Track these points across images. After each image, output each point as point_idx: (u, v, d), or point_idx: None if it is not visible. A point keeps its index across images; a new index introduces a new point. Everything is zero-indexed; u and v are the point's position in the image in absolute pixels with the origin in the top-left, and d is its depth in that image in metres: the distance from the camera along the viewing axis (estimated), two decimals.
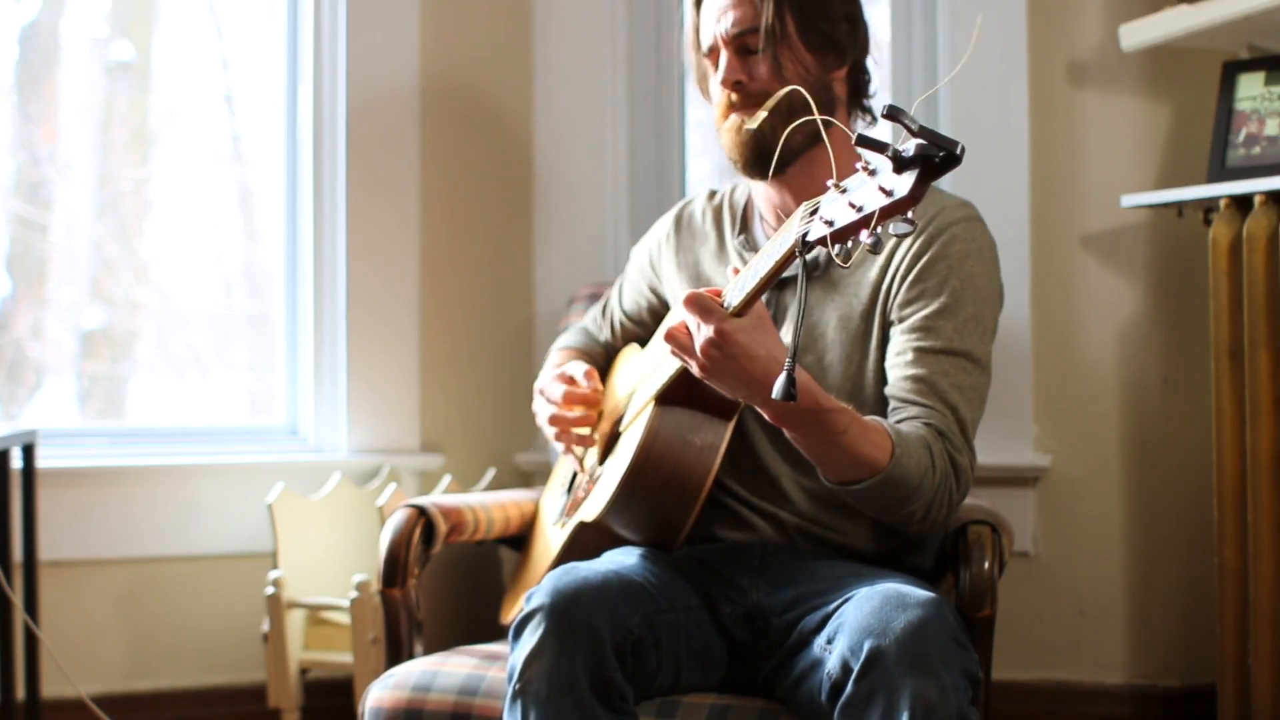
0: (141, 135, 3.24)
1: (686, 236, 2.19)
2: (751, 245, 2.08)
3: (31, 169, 3.12)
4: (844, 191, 1.44)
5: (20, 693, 2.67)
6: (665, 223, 2.25)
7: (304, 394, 3.13)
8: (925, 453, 1.79)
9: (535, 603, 1.73)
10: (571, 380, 2.15)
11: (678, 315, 1.70)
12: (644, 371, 2.03)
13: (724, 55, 1.99)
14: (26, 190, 3.11)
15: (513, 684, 1.71)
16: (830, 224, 1.44)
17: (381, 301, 3.09)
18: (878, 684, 1.59)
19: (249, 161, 3.32)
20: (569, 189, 3.19)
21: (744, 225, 2.12)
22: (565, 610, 1.70)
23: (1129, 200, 2.76)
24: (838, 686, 1.64)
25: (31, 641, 2.67)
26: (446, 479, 2.96)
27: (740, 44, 1.98)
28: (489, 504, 2.35)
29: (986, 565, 1.87)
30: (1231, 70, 2.68)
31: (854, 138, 1.37)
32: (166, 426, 3.16)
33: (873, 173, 1.39)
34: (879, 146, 1.36)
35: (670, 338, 1.70)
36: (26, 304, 3.12)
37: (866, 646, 1.60)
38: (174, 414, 3.22)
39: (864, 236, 1.40)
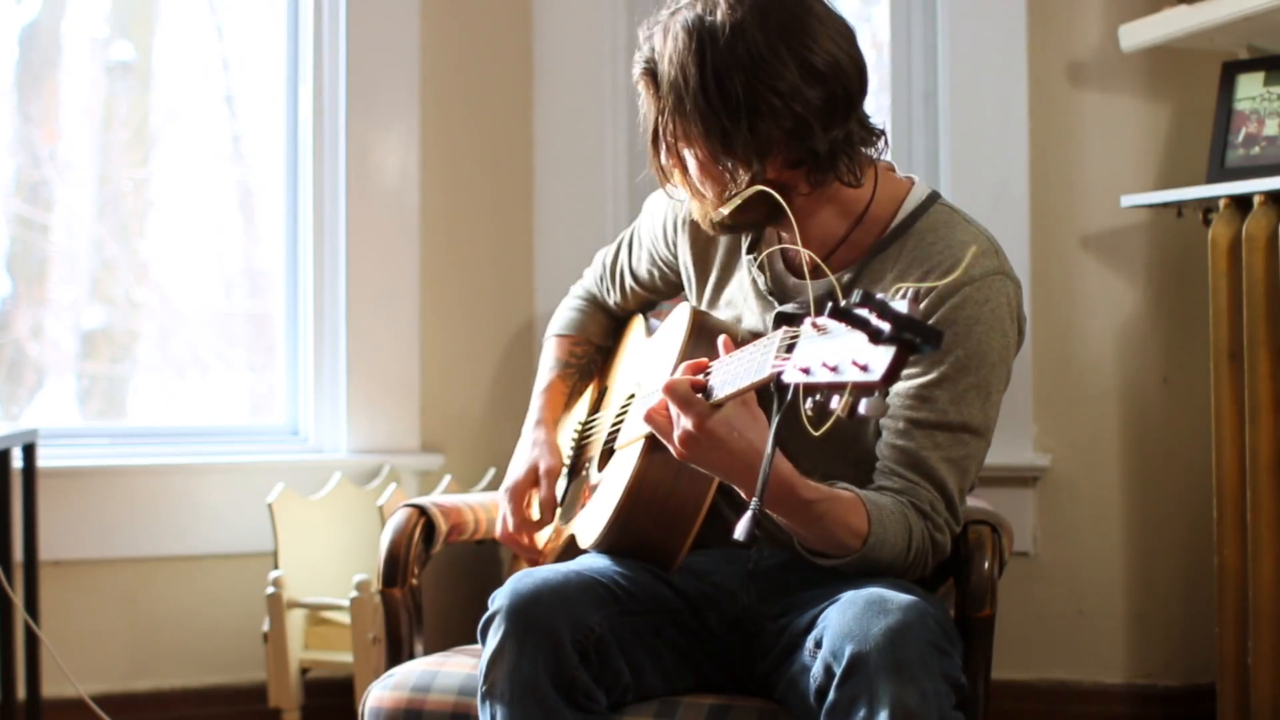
0: (142, 135, 3.24)
1: (704, 231, 2.00)
2: (764, 265, 1.94)
3: (32, 169, 3.12)
4: (823, 333, 1.38)
5: (21, 692, 2.67)
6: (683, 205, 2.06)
7: (304, 394, 3.13)
8: (904, 533, 1.76)
9: (496, 604, 1.74)
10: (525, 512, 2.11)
11: (657, 396, 1.68)
12: (646, 381, 2.00)
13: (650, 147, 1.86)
14: (27, 190, 3.11)
15: (480, 686, 1.73)
16: (806, 373, 1.39)
17: (381, 302, 3.10)
18: (859, 689, 1.59)
19: (249, 161, 3.32)
20: (569, 189, 3.19)
21: (756, 238, 1.97)
22: (523, 611, 1.71)
23: (1128, 200, 2.76)
24: (822, 690, 1.64)
25: (32, 641, 2.67)
26: (446, 479, 2.96)
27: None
28: (489, 504, 2.35)
29: (986, 565, 1.87)
30: (1231, 70, 2.68)
31: (827, 309, 1.31)
32: (167, 426, 3.16)
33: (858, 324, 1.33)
34: (856, 321, 1.30)
35: (649, 419, 1.69)
36: (27, 304, 3.12)
37: (847, 652, 1.60)
38: (174, 414, 3.22)
39: (834, 402, 1.35)
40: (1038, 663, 2.90)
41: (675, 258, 2.09)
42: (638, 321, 2.25)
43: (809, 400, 1.38)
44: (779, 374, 1.44)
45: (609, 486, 1.94)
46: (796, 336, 1.43)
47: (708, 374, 1.66)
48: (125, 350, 3.21)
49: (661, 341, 2.03)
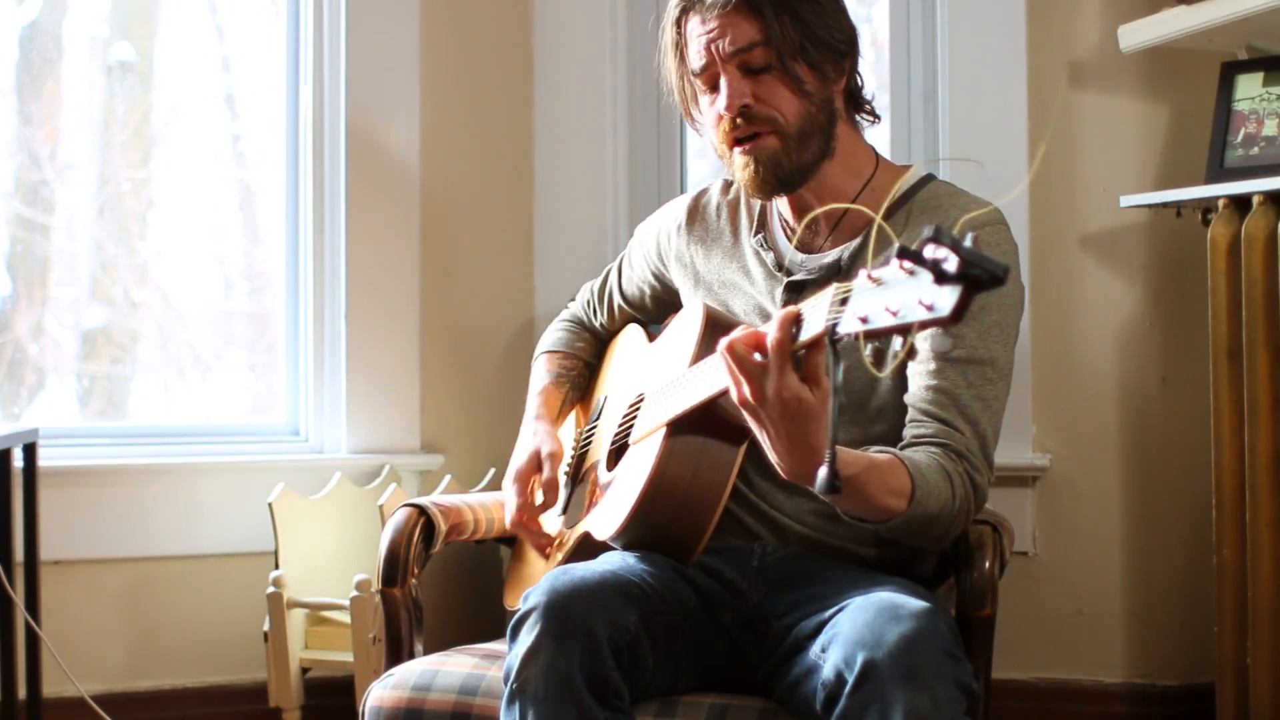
0: (142, 136, 3.25)
1: (700, 230, 2.12)
2: (770, 245, 2.02)
3: (32, 170, 3.12)
4: (879, 284, 1.36)
5: (22, 692, 2.68)
6: (679, 210, 2.16)
7: (304, 394, 3.13)
8: (946, 484, 1.77)
9: (532, 602, 1.73)
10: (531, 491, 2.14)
11: (743, 330, 1.61)
12: (656, 379, 2.00)
13: (724, 77, 1.89)
14: (27, 191, 3.11)
15: (510, 684, 1.72)
16: (864, 321, 1.37)
17: (381, 302, 3.10)
18: (871, 697, 1.59)
19: (249, 161, 3.32)
20: (569, 189, 3.20)
21: (762, 223, 2.05)
22: (562, 609, 1.71)
23: (1128, 200, 2.76)
24: (832, 697, 1.64)
25: (33, 640, 2.67)
26: (446, 479, 2.96)
27: (742, 62, 1.88)
28: (489, 503, 2.35)
29: (987, 565, 1.88)
30: (1230, 71, 2.68)
31: (895, 248, 1.32)
32: (167, 426, 3.16)
33: (911, 273, 1.33)
34: (919, 259, 1.30)
35: (732, 351, 1.59)
36: (27, 304, 3.12)
37: (860, 659, 1.60)
38: (175, 414, 3.22)
39: (896, 343, 1.35)
40: (1037, 662, 2.90)
41: (667, 269, 2.18)
42: (631, 331, 2.28)
43: (868, 346, 1.40)
44: (834, 325, 1.44)
45: (627, 479, 1.94)
46: (849, 291, 1.43)
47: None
48: (125, 350, 3.21)
49: (672, 340, 2.05)
